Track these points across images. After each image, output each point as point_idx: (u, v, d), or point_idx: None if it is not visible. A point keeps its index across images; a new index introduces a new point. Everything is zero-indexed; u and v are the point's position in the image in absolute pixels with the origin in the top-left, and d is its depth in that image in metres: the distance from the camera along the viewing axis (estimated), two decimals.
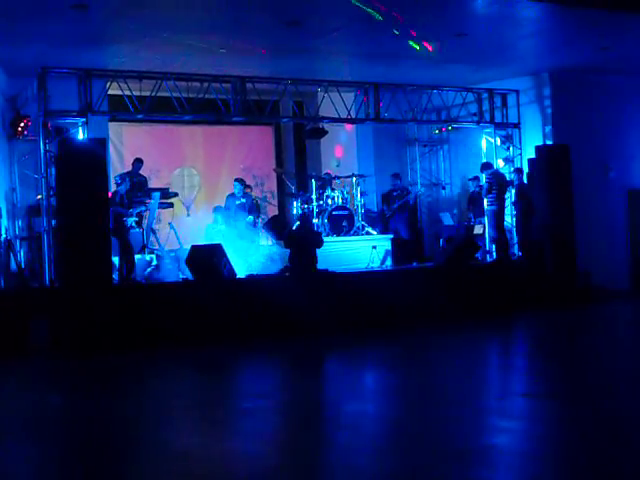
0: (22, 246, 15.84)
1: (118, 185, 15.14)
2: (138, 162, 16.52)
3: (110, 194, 14.45)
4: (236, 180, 17.32)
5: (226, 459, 6.83)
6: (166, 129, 19.10)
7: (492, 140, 18.22)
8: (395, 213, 18.40)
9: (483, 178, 17.69)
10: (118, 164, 17.86)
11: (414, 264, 17.41)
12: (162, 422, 8.22)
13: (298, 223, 15.90)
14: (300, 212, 16.90)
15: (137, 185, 16.16)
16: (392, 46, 15.48)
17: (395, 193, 18.60)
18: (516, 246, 17.86)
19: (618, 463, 6.25)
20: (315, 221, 16.92)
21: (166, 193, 16.66)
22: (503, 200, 17.34)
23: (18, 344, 12.72)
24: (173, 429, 7.93)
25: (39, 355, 12.62)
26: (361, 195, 18.00)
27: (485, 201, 17.52)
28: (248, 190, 17.48)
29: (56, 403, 9.52)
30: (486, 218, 17.57)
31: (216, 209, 16.82)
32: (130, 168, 16.73)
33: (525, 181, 17.63)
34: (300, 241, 14.65)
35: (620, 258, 18.71)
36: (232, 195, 17.14)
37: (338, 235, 17.09)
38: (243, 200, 16.92)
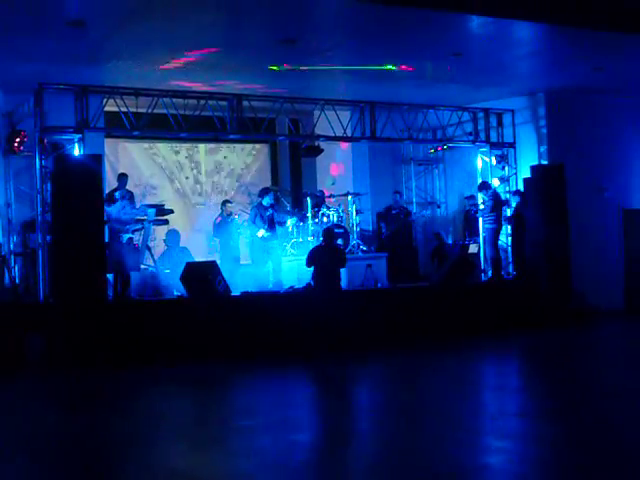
0: (17, 262, 15.81)
1: (117, 201, 15.10)
2: (124, 177, 16.23)
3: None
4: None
5: (219, 478, 6.80)
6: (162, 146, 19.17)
7: (487, 159, 18.27)
8: (393, 232, 18.38)
9: (480, 197, 17.70)
10: (113, 180, 17.81)
11: (409, 283, 17.41)
12: (155, 439, 8.19)
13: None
14: (324, 228, 16.21)
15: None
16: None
17: (394, 211, 18.57)
18: (511, 265, 17.88)
19: None
20: (310, 239, 16.87)
21: (161, 210, 16.61)
22: (501, 219, 17.36)
23: (13, 360, 12.68)
24: (166, 447, 7.89)
25: (33, 371, 12.58)
26: (356, 213, 18.01)
27: (481, 220, 17.53)
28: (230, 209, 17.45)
29: (49, 420, 9.48)
30: (483, 237, 17.59)
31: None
32: (117, 184, 16.50)
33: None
34: (323, 258, 14.27)
35: (615, 278, 18.71)
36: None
37: None
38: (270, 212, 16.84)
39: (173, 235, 17.12)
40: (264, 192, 16.94)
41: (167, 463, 7.23)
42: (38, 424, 9.18)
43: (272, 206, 16.69)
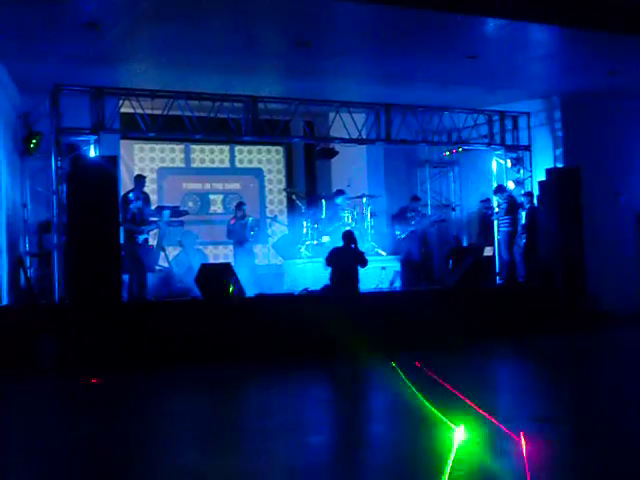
0: (32, 263, 15.87)
1: (132, 202, 15.16)
2: (142, 179, 16.20)
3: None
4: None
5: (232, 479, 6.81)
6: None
7: (503, 162, 18.23)
8: (407, 235, 18.36)
9: (495, 200, 17.67)
10: (129, 182, 17.87)
11: (423, 286, 17.39)
12: (170, 441, 8.21)
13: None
14: (345, 229, 15.70)
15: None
16: (403, 67, 15.56)
17: (409, 214, 18.51)
18: (525, 269, 17.82)
19: None
20: (325, 239, 16.87)
21: (176, 211, 16.66)
22: (516, 222, 17.33)
23: (26, 361, 12.72)
24: (181, 448, 7.91)
25: (47, 373, 12.61)
26: (371, 216, 18.00)
27: (497, 223, 17.49)
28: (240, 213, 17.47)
29: (63, 422, 9.51)
30: (497, 240, 17.54)
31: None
32: (133, 185, 16.52)
33: (535, 204, 17.60)
34: (342, 260, 14.04)
35: (630, 282, 18.66)
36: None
37: None
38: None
39: (188, 237, 17.16)
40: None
41: (181, 464, 7.23)
42: (51, 426, 9.22)
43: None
